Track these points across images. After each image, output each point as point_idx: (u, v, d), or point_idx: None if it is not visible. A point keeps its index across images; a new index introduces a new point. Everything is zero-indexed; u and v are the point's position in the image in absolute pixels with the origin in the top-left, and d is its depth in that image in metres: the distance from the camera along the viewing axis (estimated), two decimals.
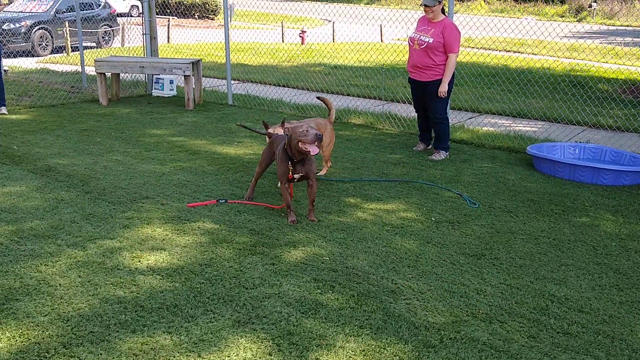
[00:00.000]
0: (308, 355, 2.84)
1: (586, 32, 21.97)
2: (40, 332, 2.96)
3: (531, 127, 8.37)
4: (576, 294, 3.58)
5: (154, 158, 6.19)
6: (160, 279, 3.54)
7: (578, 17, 28.16)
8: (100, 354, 2.79)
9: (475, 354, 2.90)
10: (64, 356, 2.77)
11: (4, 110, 8.37)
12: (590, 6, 28.74)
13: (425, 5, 6.28)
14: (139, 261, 3.76)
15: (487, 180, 5.80)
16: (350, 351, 2.88)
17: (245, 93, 10.31)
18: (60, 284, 3.44)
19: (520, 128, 8.25)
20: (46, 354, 2.79)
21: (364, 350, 2.89)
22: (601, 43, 17.29)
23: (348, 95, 10.50)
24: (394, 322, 3.15)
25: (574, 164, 5.98)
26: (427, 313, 3.26)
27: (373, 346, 2.93)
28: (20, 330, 2.97)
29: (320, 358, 2.81)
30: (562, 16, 28.58)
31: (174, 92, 10.27)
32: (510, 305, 3.39)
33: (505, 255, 4.09)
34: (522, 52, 17.06)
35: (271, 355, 2.82)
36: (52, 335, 2.93)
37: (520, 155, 6.81)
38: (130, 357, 2.77)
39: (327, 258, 3.91)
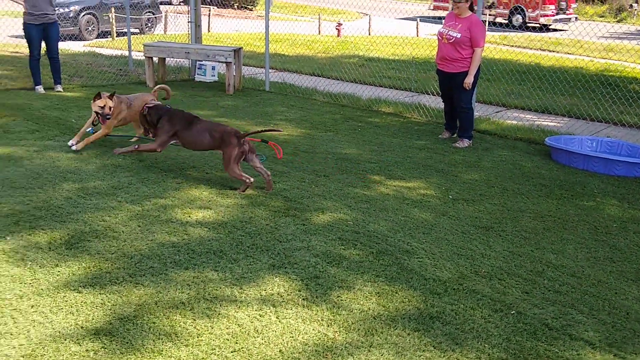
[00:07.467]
0: (331, 293, 3.37)
1: (624, 32, 21.90)
2: (109, 265, 3.56)
3: (555, 123, 8.71)
4: (571, 262, 4.03)
5: None
6: (208, 230, 4.11)
7: (618, 18, 27.93)
8: (160, 283, 3.37)
9: (474, 302, 3.40)
10: (130, 283, 3.36)
11: (59, 87, 9.08)
12: (631, 7, 28.52)
13: (454, 1, 6.75)
14: (189, 216, 4.35)
15: (504, 166, 6.24)
16: (367, 293, 3.40)
17: (282, 81, 10.86)
18: (123, 231, 4.04)
19: (546, 123, 8.60)
20: (116, 280, 3.38)
21: (378, 293, 3.41)
22: (638, 44, 17.29)
23: (380, 86, 10.95)
24: (406, 274, 3.66)
25: (588, 155, 6.36)
26: (435, 269, 3.76)
27: (386, 290, 3.45)
28: (94, 263, 3.57)
29: (341, 296, 3.35)
30: (601, 16, 28.40)
31: (216, 78, 10.87)
32: (510, 267, 3.87)
33: (512, 229, 4.55)
34: (557, 52, 17.14)
35: (300, 292, 3.36)
36: (119, 268, 3.52)
37: (540, 146, 7.20)
38: (184, 286, 3.35)
39: (351, 222, 4.43)
